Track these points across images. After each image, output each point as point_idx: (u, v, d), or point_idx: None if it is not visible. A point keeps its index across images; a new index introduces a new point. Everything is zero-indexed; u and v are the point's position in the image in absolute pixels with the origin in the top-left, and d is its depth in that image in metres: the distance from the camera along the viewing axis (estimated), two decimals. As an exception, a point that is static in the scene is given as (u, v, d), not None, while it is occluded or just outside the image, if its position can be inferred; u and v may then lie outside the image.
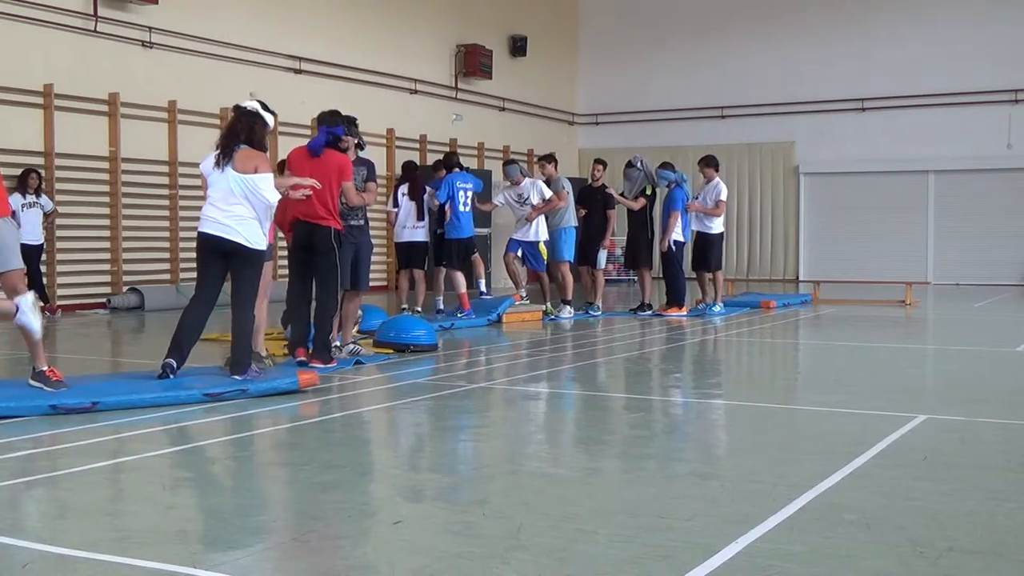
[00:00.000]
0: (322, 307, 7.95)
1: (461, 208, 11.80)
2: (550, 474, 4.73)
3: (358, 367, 8.14)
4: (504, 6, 22.66)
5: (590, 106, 25.29)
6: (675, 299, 13.11)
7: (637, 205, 13.13)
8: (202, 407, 6.23)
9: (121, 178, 14.52)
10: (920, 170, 22.20)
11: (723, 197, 13.16)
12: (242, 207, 6.75)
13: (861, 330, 12.03)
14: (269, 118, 7.04)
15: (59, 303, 13.47)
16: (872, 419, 6.02)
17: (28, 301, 6.20)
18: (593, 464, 4.99)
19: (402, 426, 6.16)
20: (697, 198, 13.35)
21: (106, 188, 14.46)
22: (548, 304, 12.64)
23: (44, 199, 12.82)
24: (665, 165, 13.43)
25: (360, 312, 9.43)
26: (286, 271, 9.09)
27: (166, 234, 15.24)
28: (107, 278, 14.49)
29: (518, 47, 22.79)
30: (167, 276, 15.18)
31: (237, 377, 6.71)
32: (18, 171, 12.52)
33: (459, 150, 19.48)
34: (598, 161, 13.36)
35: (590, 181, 13.40)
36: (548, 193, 12.47)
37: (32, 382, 6.25)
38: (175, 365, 6.74)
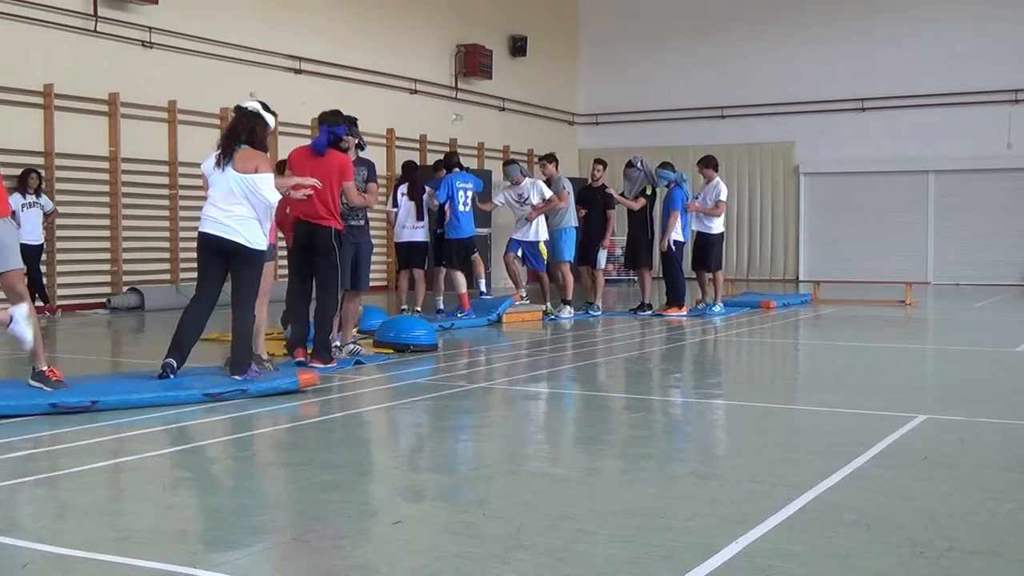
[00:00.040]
0: (322, 307, 7.95)
1: (461, 208, 11.79)
2: (550, 474, 4.73)
3: (358, 367, 8.14)
4: (504, 6, 22.67)
5: (590, 106, 25.30)
6: (675, 299, 13.11)
7: (637, 205, 13.13)
8: (202, 407, 6.23)
9: (121, 178, 14.52)
10: (920, 170, 22.20)
11: (723, 197, 13.16)
12: (242, 207, 6.75)
13: (861, 330, 12.03)
14: (270, 119, 7.04)
15: (59, 303, 13.47)
16: (872, 419, 6.02)
17: (23, 312, 6.20)
18: (593, 464, 4.99)
19: (402, 426, 6.16)
20: (697, 198, 13.35)
21: (106, 188, 14.46)
22: (548, 304, 12.64)
23: (44, 199, 12.82)
24: (665, 165, 13.43)
25: (360, 310, 9.43)
26: (286, 271, 9.09)
27: (166, 234, 15.24)
28: (107, 278, 14.50)
29: (518, 47, 22.79)
30: (167, 276, 15.18)
31: (237, 377, 6.71)
32: (18, 171, 12.52)
33: (459, 150, 19.48)
34: (598, 161, 13.36)
35: (590, 181, 13.40)
36: (548, 193, 12.47)
37: (32, 382, 6.24)
38: (175, 365, 6.74)
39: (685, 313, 13.00)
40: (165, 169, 15.20)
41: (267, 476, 4.81)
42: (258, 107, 6.99)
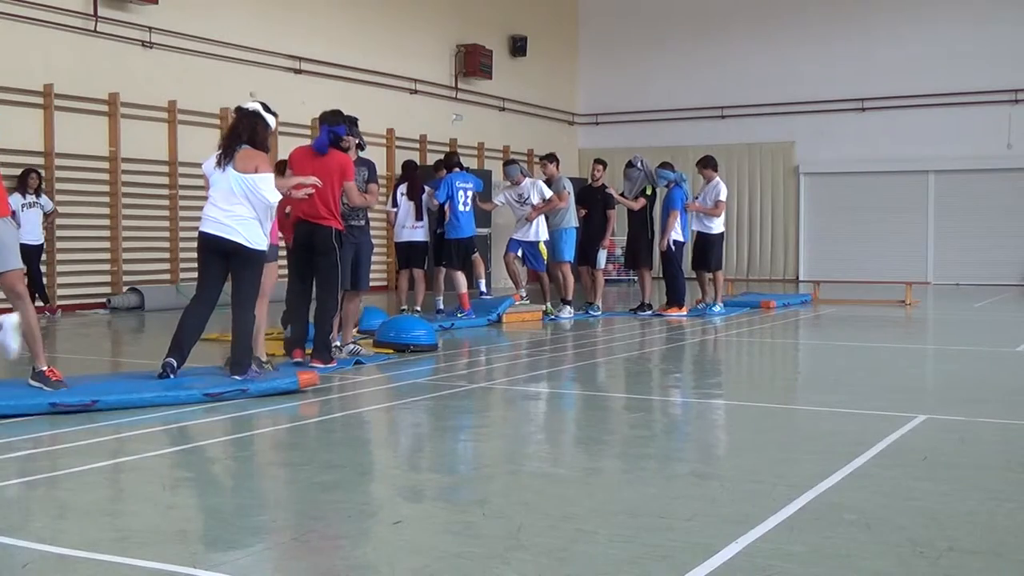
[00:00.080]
0: (323, 307, 7.95)
1: (461, 208, 11.79)
2: (550, 474, 4.73)
3: (358, 367, 8.14)
4: (504, 6, 22.67)
5: (590, 106, 25.29)
6: (675, 299, 13.11)
7: (637, 205, 13.13)
8: (202, 407, 6.23)
9: (121, 178, 14.52)
10: (920, 170, 22.20)
11: (722, 197, 13.16)
12: (242, 207, 6.75)
13: (861, 330, 12.03)
14: (271, 119, 7.04)
15: (59, 303, 13.46)
16: (872, 419, 6.02)
17: (12, 322, 6.23)
18: (593, 464, 4.99)
19: (402, 426, 6.16)
20: (697, 198, 13.36)
21: (106, 188, 14.46)
22: (548, 304, 12.64)
23: (44, 199, 12.81)
24: (665, 165, 13.43)
25: (360, 310, 9.43)
26: (286, 271, 9.09)
27: (166, 234, 15.24)
28: (107, 278, 14.50)
29: (518, 47, 22.79)
30: (167, 276, 15.18)
31: (237, 377, 6.71)
32: (18, 171, 12.51)
33: (459, 150, 19.48)
34: (598, 161, 13.36)
35: (590, 181, 13.40)
36: (548, 193, 12.47)
37: (32, 382, 6.25)
38: (175, 365, 6.74)
39: (685, 313, 13.00)
40: (165, 169, 15.20)
41: (267, 476, 4.81)
42: (259, 108, 7.00)
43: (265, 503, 4.23)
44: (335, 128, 7.93)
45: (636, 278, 14.72)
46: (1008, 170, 21.31)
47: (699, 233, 13.28)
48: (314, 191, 7.46)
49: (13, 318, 6.24)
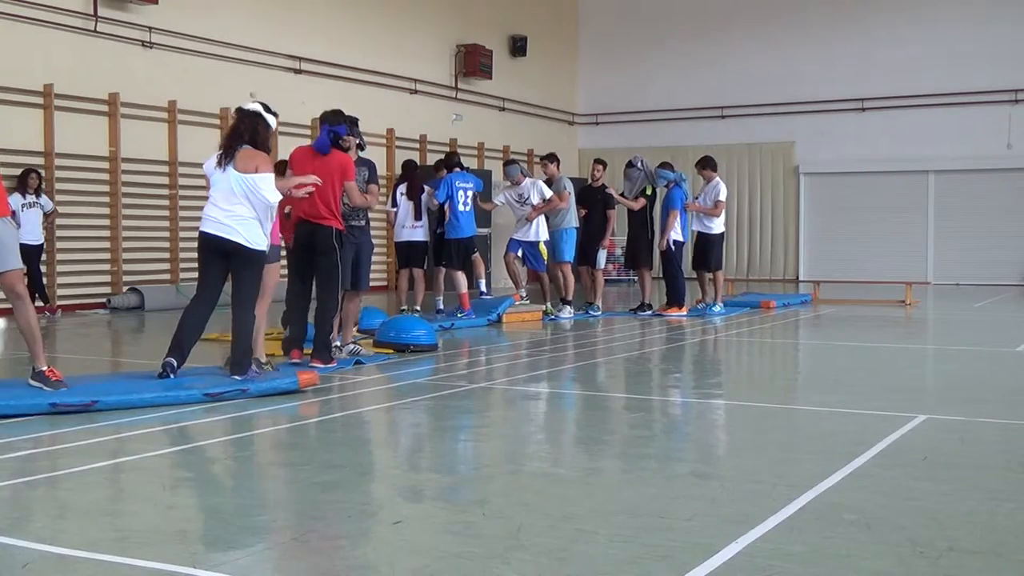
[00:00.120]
0: (323, 307, 7.95)
1: (461, 208, 11.79)
2: (550, 474, 4.73)
3: (358, 367, 8.14)
4: (504, 6, 22.67)
5: (590, 106, 25.29)
6: (675, 299, 13.11)
7: (637, 205, 13.13)
8: (202, 407, 6.23)
9: (121, 178, 14.52)
10: (920, 170, 22.20)
11: (722, 197, 13.16)
12: (243, 207, 6.75)
13: (861, 330, 12.03)
14: (271, 119, 7.05)
15: (59, 303, 13.46)
16: (872, 419, 6.02)
17: None
18: (593, 464, 4.99)
19: (402, 426, 6.16)
20: (697, 198, 13.36)
21: (106, 188, 14.46)
22: (548, 304, 12.64)
23: (44, 199, 12.81)
24: (665, 165, 13.44)
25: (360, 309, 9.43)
26: (286, 271, 9.08)
27: (166, 234, 15.24)
28: (107, 278, 14.50)
29: (518, 47, 22.79)
30: (167, 276, 15.18)
31: (237, 377, 6.71)
32: (18, 171, 12.52)
33: (459, 150, 19.48)
34: (598, 161, 13.36)
35: (590, 181, 13.40)
36: (548, 193, 12.47)
37: (32, 382, 6.25)
38: (175, 365, 6.74)
39: (685, 313, 13.00)
40: (165, 169, 15.20)
41: (267, 476, 4.81)
42: (259, 108, 7.00)
43: (265, 503, 4.23)
44: (336, 128, 7.93)
45: (636, 278, 14.72)
46: (1008, 170, 21.31)
47: (699, 233, 13.28)
48: (314, 191, 7.46)
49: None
